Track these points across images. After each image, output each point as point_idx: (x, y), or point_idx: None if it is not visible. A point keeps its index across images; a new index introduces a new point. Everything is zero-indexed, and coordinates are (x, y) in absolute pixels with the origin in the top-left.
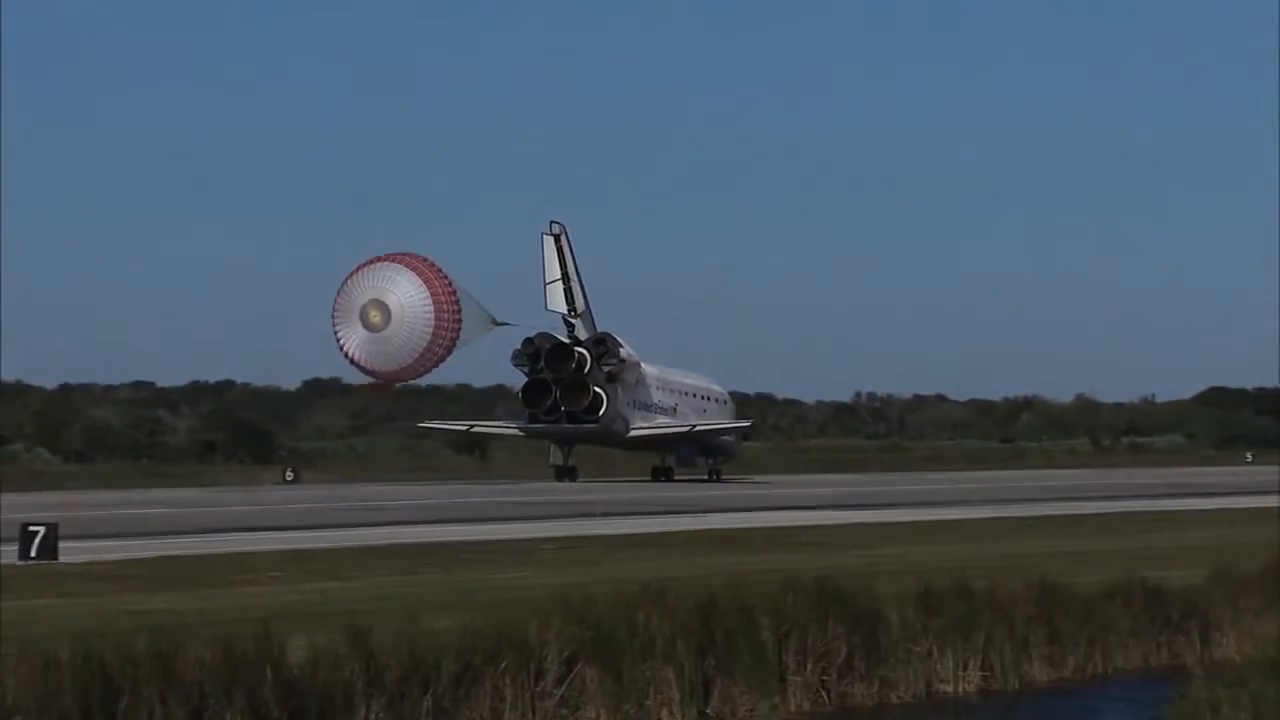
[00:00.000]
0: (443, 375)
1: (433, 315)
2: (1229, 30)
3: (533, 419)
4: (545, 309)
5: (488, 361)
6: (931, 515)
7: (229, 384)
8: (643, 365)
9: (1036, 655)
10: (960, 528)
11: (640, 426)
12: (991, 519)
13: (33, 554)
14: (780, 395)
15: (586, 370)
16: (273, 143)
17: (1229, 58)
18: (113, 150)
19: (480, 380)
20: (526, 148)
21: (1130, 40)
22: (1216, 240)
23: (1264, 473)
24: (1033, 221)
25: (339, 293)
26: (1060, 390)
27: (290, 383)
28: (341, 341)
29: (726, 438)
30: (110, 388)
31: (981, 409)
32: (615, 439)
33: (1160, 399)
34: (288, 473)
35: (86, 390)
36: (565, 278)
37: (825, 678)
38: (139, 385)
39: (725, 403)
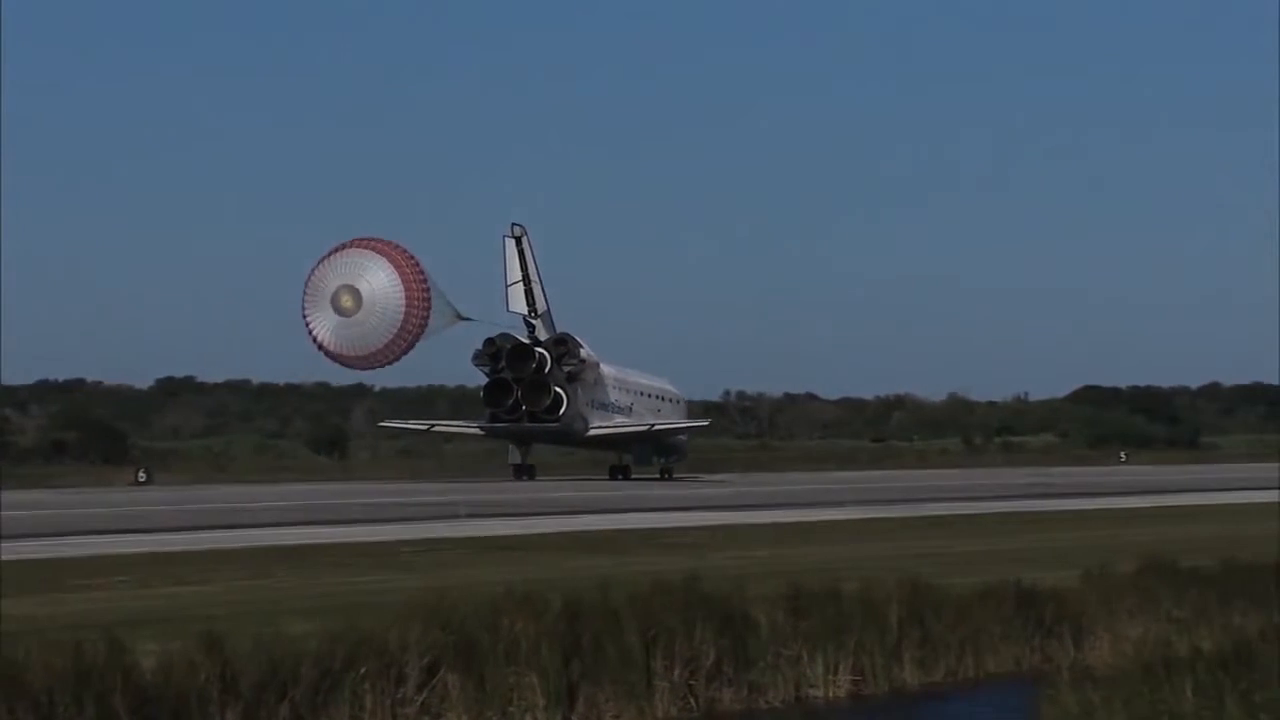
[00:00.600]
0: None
1: (404, 302)
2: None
3: (494, 418)
4: (506, 310)
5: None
6: (803, 516)
7: (79, 382)
8: (601, 365)
9: (908, 659)
10: (832, 529)
11: (599, 426)
12: (864, 520)
13: None
14: None
15: (547, 370)
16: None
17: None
18: None
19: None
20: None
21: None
22: (1088, 236)
23: (1138, 472)
24: (902, 218)
25: (309, 277)
26: (932, 389)
27: (143, 381)
28: (311, 326)
29: (680, 437)
30: None
31: (852, 408)
32: (575, 438)
33: (1033, 398)
34: (140, 473)
35: None
36: (526, 279)
37: (693, 683)
38: None
39: (679, 402)
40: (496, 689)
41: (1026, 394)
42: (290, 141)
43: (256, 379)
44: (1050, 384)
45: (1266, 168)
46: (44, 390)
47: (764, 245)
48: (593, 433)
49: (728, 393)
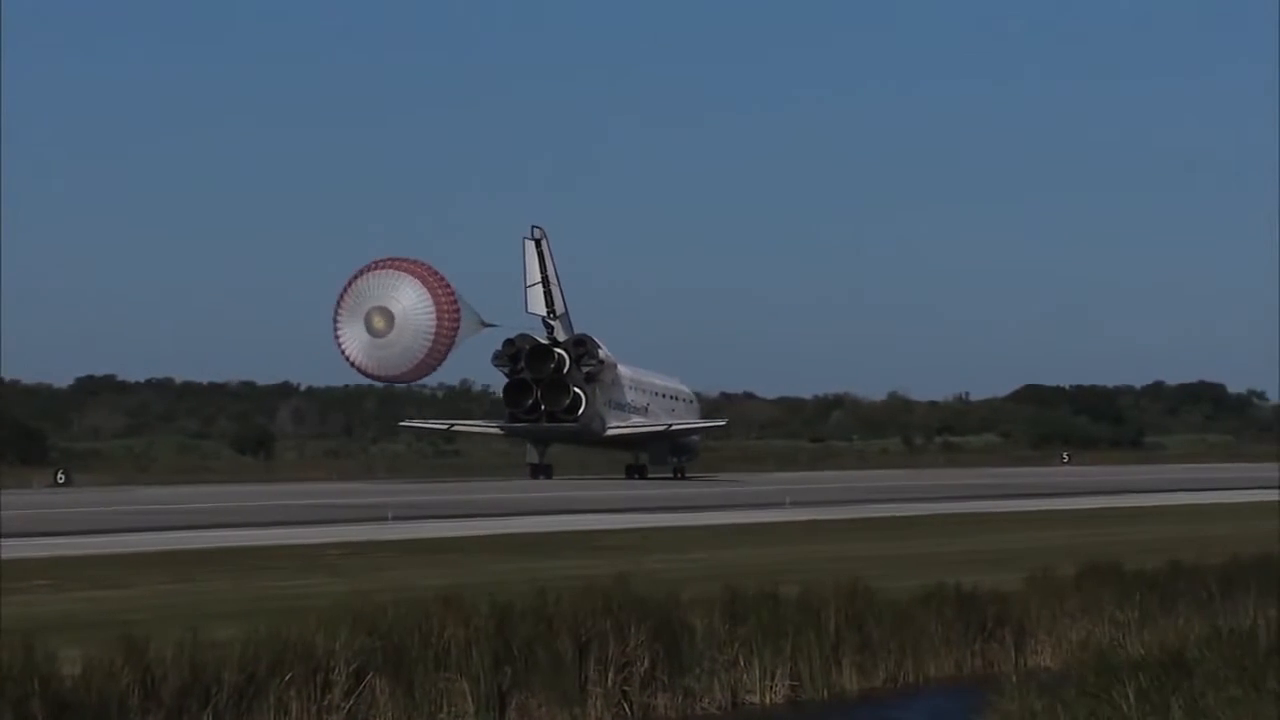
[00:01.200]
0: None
1: (434, 323)
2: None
3: (513, 418)
4: (525, 311)
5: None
6: (739, 518)
7: None
8: (619, 366)
9: (847, 664)
10: (769, 531)
11: (616, 426)
12: (802, 521)
13: None
14: None
15: (566, 371)
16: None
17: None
18: None
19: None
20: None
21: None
22: (1029, 235)
23: (1081, 473)
24: (843, 216)
25: (342, 295)
26: (872, 388)
27: (62, 379)
28: (342, 343)
29: (694, 437)
30: None
31: (791, 407)
32: (593, 437)
33: (975, 397)
34: (59, 475)
35: None
36: (545, 281)
37: (627, 688)
38: None
39: (691, 402)
40: (426, 695)
41: (968, 393)
42: (300, 143)
43: (180, 377)
44: (992, 383)
45: (1202, 161)
46: None
47: (701, 244)
48: (610, 432)
49: None
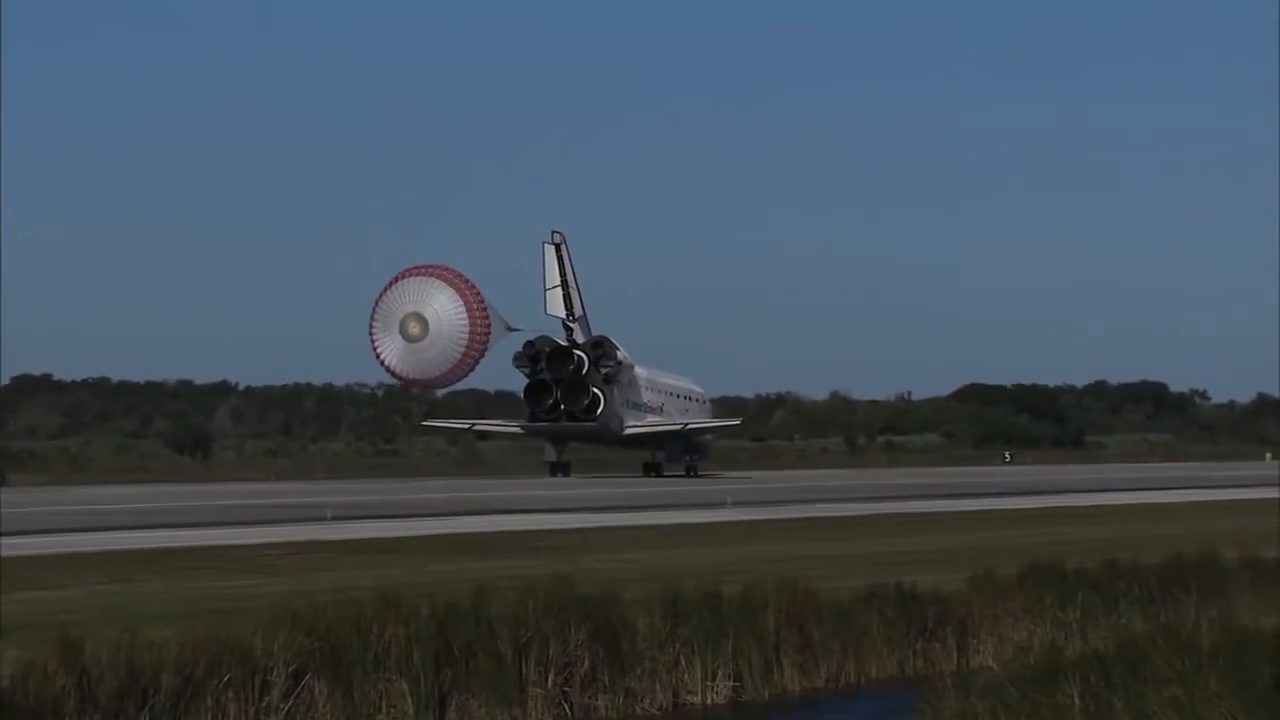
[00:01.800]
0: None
1: (467, 328)
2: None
3: (533, 417)
4: (544, 313)
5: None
6: (680, 518)
7: None
8: (635, 367)
9: (788, 664)
10: (710, 531)
11: (634, 425)
12: (743, 521)
13: None
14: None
15: (585, 372)
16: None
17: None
18: None
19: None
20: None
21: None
22: (968, 233)
23: (1023, 472)
24: (786, 214)
25: (377, 303)
26: (814, 387)
27: None
28: (379, 350)
29: (707, 436)
30: None
31: (732, 406)
32: (611, 437)
33: (917, 396)
34: None
35: None
36: (565, 284)
37: (567, 689)
38: None
39: (703, 402)
40: (365, 696)
41: (909, 393)
42: (308, 144)
43: (116, 376)
44: (934, 382)
45: (1137, 156)
46: None
47: (643, 241)
48: (628, 432)
49: None
